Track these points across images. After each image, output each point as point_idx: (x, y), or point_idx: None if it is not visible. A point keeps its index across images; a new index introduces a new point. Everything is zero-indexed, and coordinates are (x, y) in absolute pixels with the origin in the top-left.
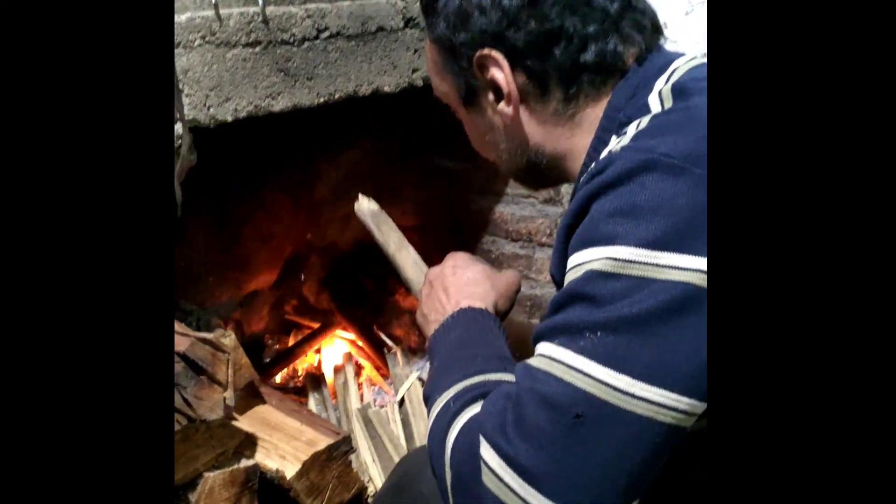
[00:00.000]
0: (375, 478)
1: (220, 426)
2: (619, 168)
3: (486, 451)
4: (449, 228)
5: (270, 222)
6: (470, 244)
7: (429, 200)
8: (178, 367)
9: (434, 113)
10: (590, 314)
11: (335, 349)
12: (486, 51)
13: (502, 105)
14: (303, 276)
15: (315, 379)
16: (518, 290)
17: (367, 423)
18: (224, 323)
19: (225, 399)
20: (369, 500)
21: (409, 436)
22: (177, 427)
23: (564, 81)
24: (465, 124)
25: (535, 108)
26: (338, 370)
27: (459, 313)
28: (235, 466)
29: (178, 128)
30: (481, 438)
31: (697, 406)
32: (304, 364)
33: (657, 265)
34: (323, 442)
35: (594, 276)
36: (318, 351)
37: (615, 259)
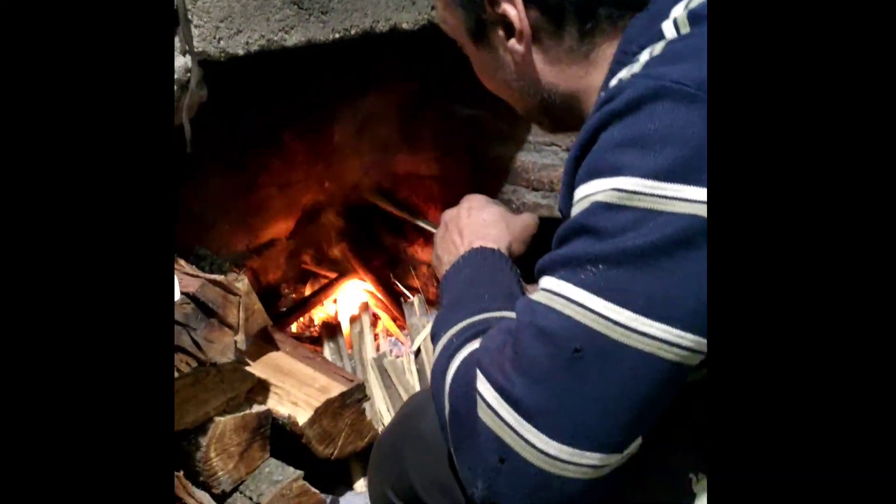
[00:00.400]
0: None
1: (232, 370)
2: (628, 96)
3: (483, 385)
4: (469, 177)
5: (287, 168)
6: (490, 193)
7: (448, 149)
8: (188, 308)
9: (453, 56)
10: (592, 247)
11: (352, 299)
12: None
13: (513, 42)
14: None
15: (331, 328)
16: (534, 234)
17: (383, 372)
18: (238, 270)
19: (236, 342)
20: None
21: (424, 386)
22: (187, 370)
23: (580, 17)
24: (473, 62)
25: (549, 46)
26: (354, 320)
27: (471, 253)
28: (247, 412)
29: (187, 60)
30: (478, 372)
31: (703, 343)
32: (320, 314)
33: (664, 197)
34: (336, 389)
35: (599, 207)
36: (334, 301)
37: (621, 190)
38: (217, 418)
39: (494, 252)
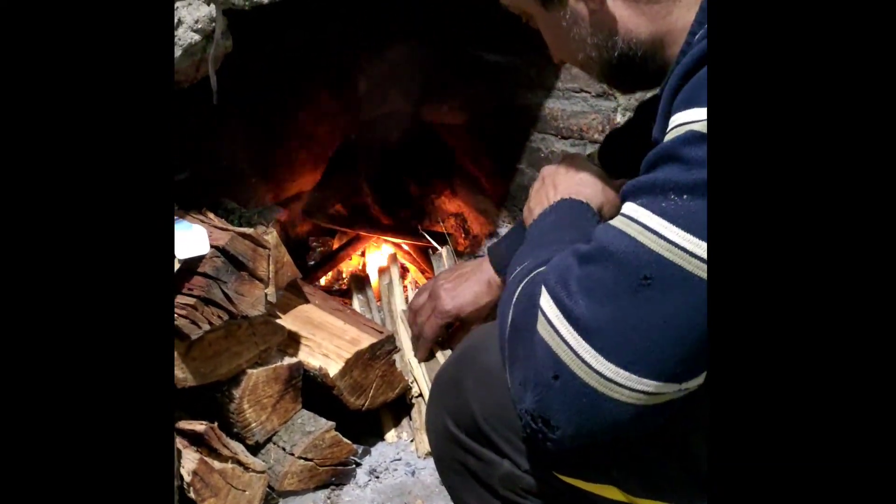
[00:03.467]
0: (420, 378)
1: (263, 323)
2: None
3: (545, 301)
4: (497, 125)
5: (312, 121)
6: (518, 141)
7: (476, 96)
8: (218, 261)
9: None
10: (679, 175)
11: (380, 252)
12: None
13: None
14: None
15: (360, 280)
16: None
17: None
18: (267, 223)
19: (266, 295)
20: (413, 399)
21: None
22: (218, 323)
23: None
24: (544, 30)
25: None
26: (382, 271)
27: (560, 202)
28: (278, 364)
29: (212, 10)
30: (543, 289)
31: None
32: (348, 267)
33: None
34: (366, 340)
35: (692, 137)
36: (362, 254)
37: None
38: (249, 370)
39: (583, 204)
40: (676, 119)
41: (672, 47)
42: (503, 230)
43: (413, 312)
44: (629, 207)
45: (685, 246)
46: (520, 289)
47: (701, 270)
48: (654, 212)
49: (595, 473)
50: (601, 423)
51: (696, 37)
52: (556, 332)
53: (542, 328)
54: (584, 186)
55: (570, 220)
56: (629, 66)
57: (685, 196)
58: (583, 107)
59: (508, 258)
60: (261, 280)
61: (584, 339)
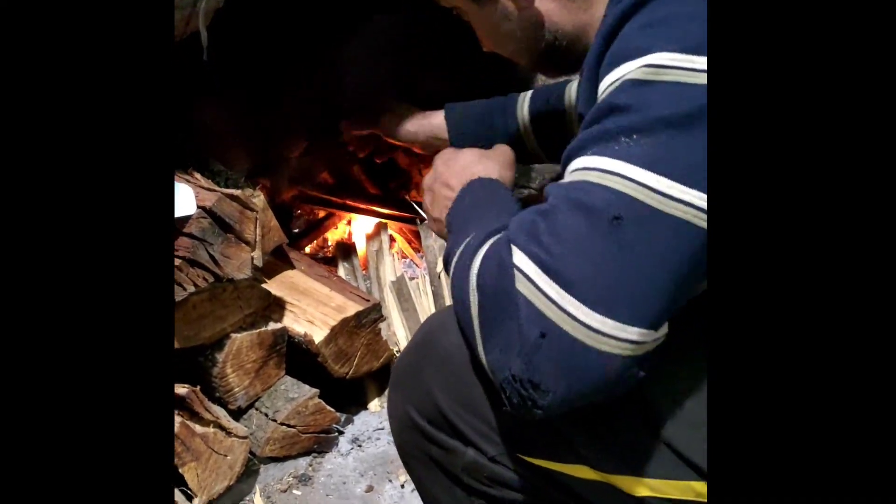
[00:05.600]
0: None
1: (248, 287)
2: None
3: (520, 258)
4: (486, 96)
5: (300, 86)
6: None
7: (466, 66)
8: (205, 222)
9: None
10: (626, 119)
11: (366, 221)
12: None
13: None
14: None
15: (345, 248)
16: (514, 159)
17: (401, 294)
18: (254, 187)
19: (253, 259)
20: None
21: (440, 308)
22: (204, 285)
23: None
24: (475, 24)
25: None
26: (370, 238)
27: (469, 185)
28: (263, 329)
29: None
30: (513, 248)
31: None
32: (334, 235)
33: (694, 70)
34: (352, 308)
35: (629, 84)
36: (348, 223)
37: (650, 66)
38: (234, 335)
39: (490, 179)
40: (608, 80)
41: (591, 37)
42: None
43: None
44: (581, 160)
45: (647, 182)
46: (479, 261)
47: (663, 205)
48: (609, 156)
49: (565, 453)
50: (591, 380)
51: (608, 7)
52: (538, 287)
53: (521, 286)
54: (472, 167)
55: (487, 195)
56: (555, 55)
57: (635, 136)
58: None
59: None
60: (247, 243)
61: (566, 290)
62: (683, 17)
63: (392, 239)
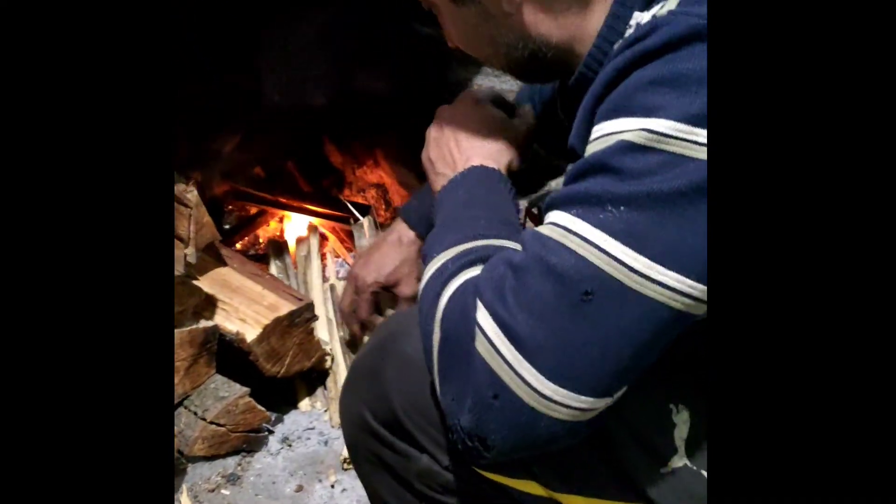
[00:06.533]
0: (336, 352)
1: (180, 284)
2: (665, 34)
3: (483, 316)
4: (428, 100)
5: (232, 78)
6: None
7: (406, 68)
8: None
9: None
10: (614, 186)
11: (299, 219)
12: None
13: None
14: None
15: (277, 246)
16: (531, 135)
17: (327, 299)
18: (187, 182)
19: (186, 255)
20: (329, 369)
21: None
22: None
23: None
24: (448, 21)
25: None
26: (301, 241)
27: (469, 171)
28: (194, 326)
29: None
30: (478, 302)
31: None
32: (266, 232)
33: (696, 143)
34: (285, 307)
35: (626, 147)
36: (280, 220)
37: (651, 132)
38: None
39: (493, 172)
40: (603, 128)
41: (579, 48)
42: None
43: (341, 312)
44: (563, 218)
45: (625, 260)
46: (447, 296)
47: (639, 286)
48: (592, 224)
49: (516, 469)
50: (535, 440)
51: (617, 46)
52: (497, 350)
53: (480, 346)
54: (489, 139)
55: (482, 194)
56: (535, 64)
57: (622, 208)
58: (511, 85)
59: (421, 213)
60: (181, 239)
61: (525, 358)
62: (694, 81)
63: (324, 238)
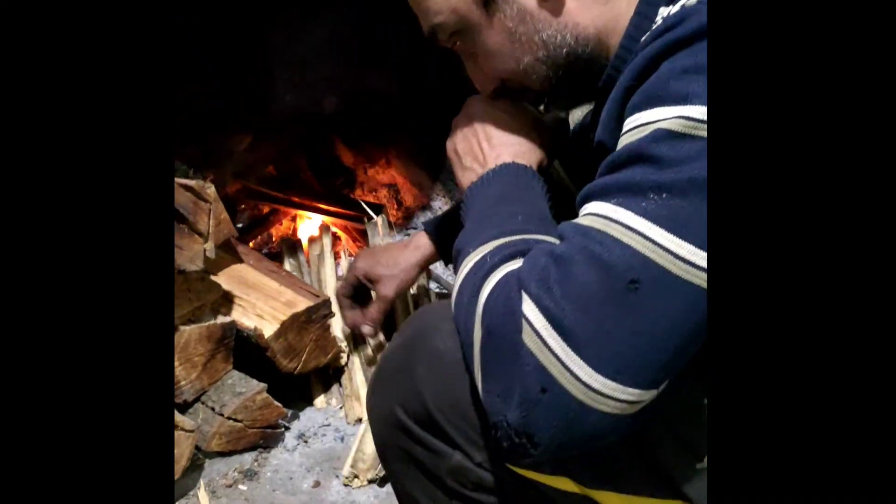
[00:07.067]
0: (351, 349)
1: (199, 279)
2: (696, 23)
3: (529, 308)
4: (436, 97)
5: (245, 78)
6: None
7: (416, 66)
8: None
9: None
10: (655, 174)
11: (312, 219)
12: None
13: None
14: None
15: (291, 244)
16: (560, 135)
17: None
18: (204, 179)
19: (205, 250)
20: (345, 366)
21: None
22: None
23: None
24: (484, 43)
25: None
26: (313, 241)
27: (502, 168)
28: (212, 322)
29: None
30: (523, 294)
31: None
32: (278, 231)
33: None
34: (302, 304)
35: (663, 135)
36: (293, 219)
37: (688, 118)
38: (182, 327)
39: (526, 169)
40: (637, 119)
41: (609, 49)
42: (436, 203)
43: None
44: (604, 207)
45: (670, 247)
46: (489, 289)
47: (684, 272)
48: (635, 212)
49: (551, 466)
50: (582, 436)
51: (645, 38)
52: (544, 342)
53: (528, 339)
54: (520, 138)
55: (515, 190)
56: (576, 66)
57: (664, 195)
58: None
59: (443, 229)
60: (200, 234)
61: (574, 351)
62: None
63: (337, 237)
